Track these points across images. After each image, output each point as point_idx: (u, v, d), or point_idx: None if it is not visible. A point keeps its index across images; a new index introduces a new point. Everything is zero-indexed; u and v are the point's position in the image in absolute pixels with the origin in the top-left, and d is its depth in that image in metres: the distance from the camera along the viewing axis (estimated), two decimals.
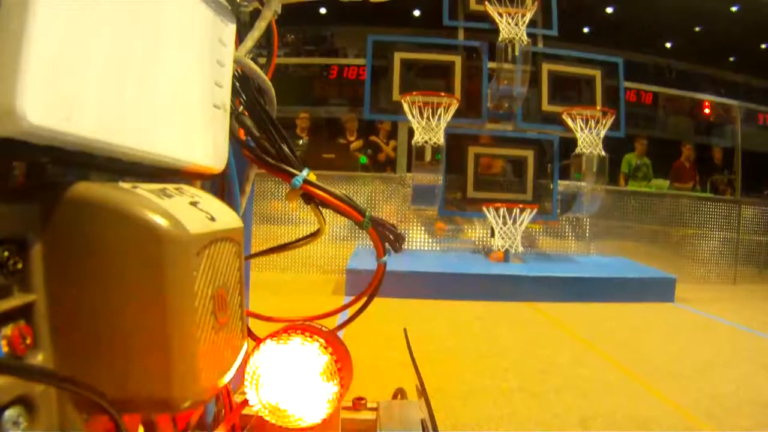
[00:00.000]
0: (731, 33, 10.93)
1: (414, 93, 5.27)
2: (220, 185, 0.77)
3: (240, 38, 0.71)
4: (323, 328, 0.75)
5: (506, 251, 5.34)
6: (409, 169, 5.82)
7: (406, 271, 4.53)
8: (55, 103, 0.37)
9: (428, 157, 5.30)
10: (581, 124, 5.50)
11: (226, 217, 0.54)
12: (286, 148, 0.72)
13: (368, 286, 0.84)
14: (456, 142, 5.90)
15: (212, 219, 0.50)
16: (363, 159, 6.86)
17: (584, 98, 6.17)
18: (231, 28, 0.65)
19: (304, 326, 0.74)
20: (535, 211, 5.32)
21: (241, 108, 0.72)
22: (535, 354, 3.18)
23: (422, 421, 0.86)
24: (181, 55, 0.54)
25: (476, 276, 4.79)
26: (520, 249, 5.36)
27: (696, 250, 6.57)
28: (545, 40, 6.29)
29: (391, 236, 0.81)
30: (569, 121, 5.55)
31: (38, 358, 0.41)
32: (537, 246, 6.24)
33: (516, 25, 5.74)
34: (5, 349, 0.38)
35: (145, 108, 0.48)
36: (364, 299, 0.85)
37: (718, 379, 2.86)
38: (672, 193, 7.05)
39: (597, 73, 6.19)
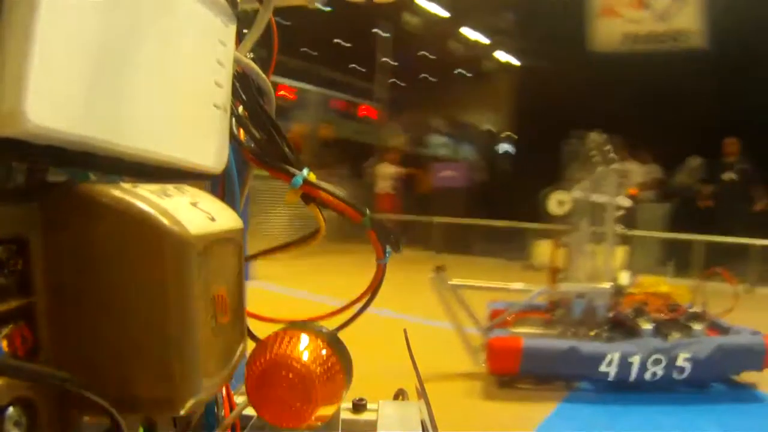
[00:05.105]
0: None
1: None
2: (220, 185, 0.77)
3: (240, 38, 0.71)
4: (323, 329, 0.74)
5: None
6: None
7: None
8: (57, 104, 0.37)
9: None
10: None
11: (226, 218, 0.54)
12: (286, 148, 0.72)
13: (368, 287, 0.84)
14: None
15: (212, 219, 0.50)
16: None
17: None
18: (231, 28, 0.64)
19: (304, 326, 0.73)
20: None
21: (241, 108, 0.72)
22: None
23: (422, 422, 0.86)
24: (181, 56, 0.54)
25: None
26: None
27: None
28: None
29: (391, 236, 0.81)
30: None
31: (38, 358, 0.41)
32: None
33: None
34: (5, 349, 0.38)
35: (145, 108, 0.48)
36: (365, 299, 0.85)
37: None
38: None
39: None
